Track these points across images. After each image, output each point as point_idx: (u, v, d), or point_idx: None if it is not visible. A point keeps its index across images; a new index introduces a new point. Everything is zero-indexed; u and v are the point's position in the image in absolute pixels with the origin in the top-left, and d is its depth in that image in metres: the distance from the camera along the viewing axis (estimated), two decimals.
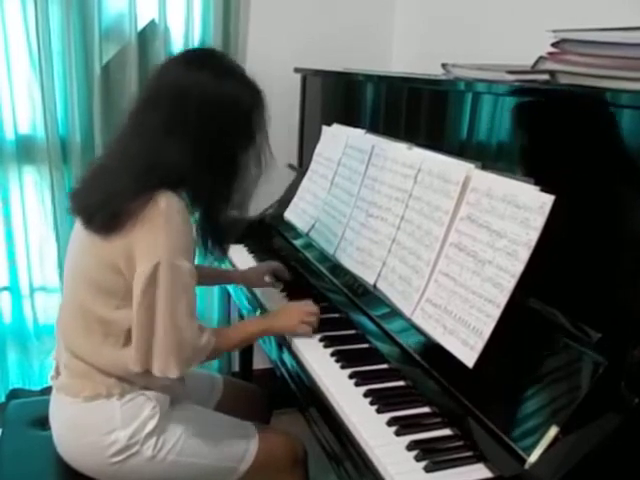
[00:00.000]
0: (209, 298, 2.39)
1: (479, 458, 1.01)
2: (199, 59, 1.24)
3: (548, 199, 1.05)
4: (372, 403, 1.17)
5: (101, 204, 1.17)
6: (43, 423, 1.33)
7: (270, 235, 2.08)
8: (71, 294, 1.28)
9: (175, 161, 1.16)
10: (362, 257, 1.52)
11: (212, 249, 1.36)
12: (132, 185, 1.15)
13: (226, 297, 2.37)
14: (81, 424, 1.25)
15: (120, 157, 1.22)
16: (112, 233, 1.16)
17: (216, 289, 2.37)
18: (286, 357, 1.40)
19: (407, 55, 2.37)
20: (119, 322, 1.20)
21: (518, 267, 1.07)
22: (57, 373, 1.31)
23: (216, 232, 1.34)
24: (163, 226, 1.14)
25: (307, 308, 1.43)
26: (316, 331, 1.42)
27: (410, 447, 1.04)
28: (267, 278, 1.74)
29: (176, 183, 1.18)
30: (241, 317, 2.13)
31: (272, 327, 1.42)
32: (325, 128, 1.96)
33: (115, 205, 1.15)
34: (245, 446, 1.34)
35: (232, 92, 1.20)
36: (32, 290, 2.16)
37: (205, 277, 1.70)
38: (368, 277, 1.46)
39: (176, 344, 1.17)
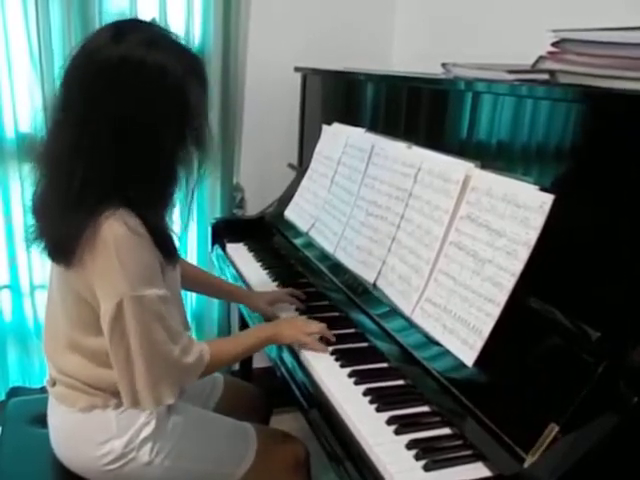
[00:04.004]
0: (209, 298, 2.38)
1: (478, 457, 1.02)
2: (121, 30, 1.07)
3: (548, 198, 1.06)
4: (371, 402, 1.18)
5: (49, 233, 1.12)
6: (43, 421, 1.33)
7: (270, 234, 2.08)
8: (53, 317, 1.26)
9: (108, 167, 1.06)
10: (362, 256, 1.52)
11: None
12: (71, 209, 1.06)
13: None
14: (77, 433, 1.24)
15: (52, 173, 1.11)
16: (66, 264, 1.10)
17: None
18: (285, 356, 1.40)
19: (407, 54, 2.37)
20: (102, 347, 1.15)
21: (518, 266, 1.08)
22: (52, 381, 1.28)
23: (160, 237, 1.15)
24: (115, 259, 1.06)
25: (310, 321, 1.42)
26: (325, 348, 1.36)
27: (409, 446, 1.04)
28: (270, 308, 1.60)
29: (115, 192, 1.08)
30: (241, 317, 2.13)
31: (278, 335, 1.37)
32: (325, 127, 1.96)
33: (59, 233, 1.08)
34: (243, 449, 1.33)
35: (160, 62, 1.04)
36: (32, 288, 2.16)
37: (202, 285, 1.65)
38: (368, 276, 1.47)
39: (161, 372, 1.13)
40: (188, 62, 1.10)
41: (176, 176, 1.15)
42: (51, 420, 1.29)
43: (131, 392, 1.14)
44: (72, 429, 1.24)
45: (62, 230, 1.08)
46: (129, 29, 1.08)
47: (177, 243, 1.25)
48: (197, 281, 1.62)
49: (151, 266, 1.12)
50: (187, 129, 1.12)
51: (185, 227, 1.35)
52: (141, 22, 1.16)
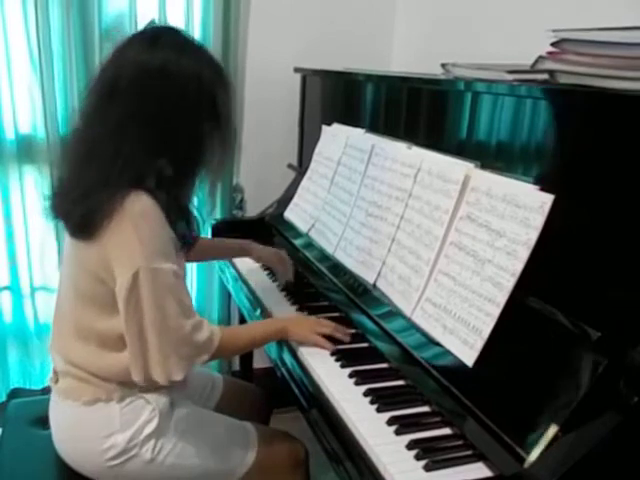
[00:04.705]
0: (209, 298, 2.39)
1: (479, 457, 1.02)
2: (156, 36, 1.17)
3: (548, 198, 1.06)
4: (372, 402, 1.18)
5: (73, 206, 1.15)
6: (44, 422, 1.33)
7: (270, 234, 2.08)
8: (63, 306, 1.27)
9: (142, 155, 1.13)
10: (362, 256, 1.52)
11: (182, 236, 1.26)
12: (100, 187, 1.11)
13: (226, 297, 2.37)
14: (80, 427, 1.24)
15: (86, 156, 1.16)
16: (86, 238, 1.14)
17: (216, 289, 2.37)
18: (286, 356, 1.40)
19: (407, 55, 2.37)
20: (113, 329, 1.18)
21: (518, 266, 1.08)
22: (56, 377, 1.29)
23: (183, 217, 1.27)
24: (134, 233, 1.11)
25: (321, 320, 1.43)
26: (333, 347, 1.37)
27: (410, 446, 1.05)
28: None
29: (144, 177, 1.14)
30: (241, 317, 2.13)
31: (287, 329, 1.38)
32: (325, 128, 1.96)
33: (85, 208, 1.12)
34: (244, 449, 1.34)
35: (193, 69, 1.15)
36: (33, 289, 2.16)
37: (213, 250, 1.78)
38: (368, 276, 1.47)
39: (172, 345, 1.16)
40: (216, 68, 1.20)
41: (199, 167, 1.23)
42: (53, 418, 1.30)
43: (144, 366, 1.16)
44: (75, 424, 1.25)
45: (91, 205, 1.11)
46: (163, 34, 1.19)
47: (199, 232, 1.36)
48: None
49: (168, 242, 1.17)
50: (215, 127, 1.20)
51: (208, 214, 1.44)
52: (171, 29, 1.25)
